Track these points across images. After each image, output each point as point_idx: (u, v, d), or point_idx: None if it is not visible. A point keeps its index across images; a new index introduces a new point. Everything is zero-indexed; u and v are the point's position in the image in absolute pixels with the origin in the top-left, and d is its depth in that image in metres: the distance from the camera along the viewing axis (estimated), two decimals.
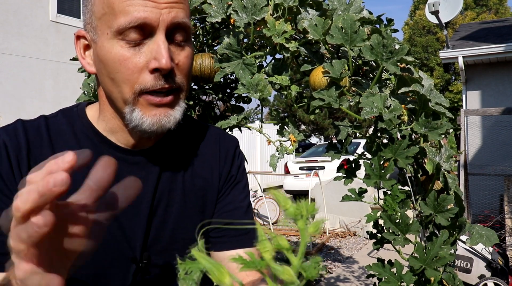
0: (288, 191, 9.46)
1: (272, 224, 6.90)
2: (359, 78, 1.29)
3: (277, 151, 1.29)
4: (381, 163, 1.16)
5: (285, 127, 1.34)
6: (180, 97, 0.66)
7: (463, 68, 6.63)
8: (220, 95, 1.74)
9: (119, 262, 0.66)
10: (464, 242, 1.78)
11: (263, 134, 1.34)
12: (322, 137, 20.29)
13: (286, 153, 1.28)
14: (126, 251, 0.67)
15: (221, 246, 0.74)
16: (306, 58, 1.36)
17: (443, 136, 1.13)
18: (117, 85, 0.63)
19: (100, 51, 0.63)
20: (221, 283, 0.35)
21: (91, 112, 0.72)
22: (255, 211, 6.82)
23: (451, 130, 1.17)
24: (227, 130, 1.52)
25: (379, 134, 1.23)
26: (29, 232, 0.35)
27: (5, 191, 0.61)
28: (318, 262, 0.34)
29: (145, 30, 0.61)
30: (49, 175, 0.34)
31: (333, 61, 1.15)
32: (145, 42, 0.62)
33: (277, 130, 1.35)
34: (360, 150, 8.21)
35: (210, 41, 1.59)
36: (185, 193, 0.73)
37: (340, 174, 1.38)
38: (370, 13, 1.30)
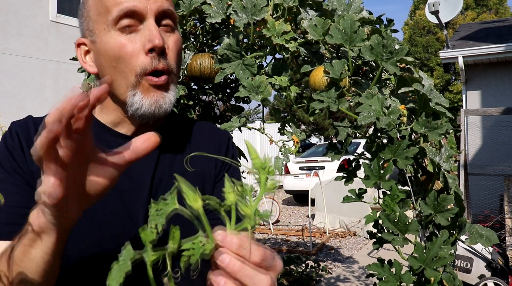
0: (288, 191, 9.45)
1: (272, 224, 6.90)
2: (359, 78, 1.29)
3: (281, 151, 1.28)
4: (381, 163, 1.16)
5: (286, 125, 1.34)
6: (173, 80, 0.75)
7: (463, 68, 6.63)
8: (220, 95, 1.74)
9: (122, 239, 0.70)
10: (463, 242, 1.78)
11: (265, 134, 1.34)
12: (322, 137, 20.28)
13: (290, 154, 1.27)
14: (129, 228, 0.72)
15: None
16: (306, 58, 1.36)
17: (443, 136, 1.13)
18: (120, 71, 0.71)
19: (100, 46, 0.72)
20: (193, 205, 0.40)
21: (94, 109, 0.77)
22: None
23: (451, 131, 1.17)
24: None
25: (379, 134, 1.23)
26: (42, 136, 0.43)
27: (18, 170, 0.70)
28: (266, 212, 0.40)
29: (136, 18, 0.70)
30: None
31: (333, 61, 1.15)
32: (138, 29, 0.71)
33: (278, 128, 1.35)
34: (360, 150, 8.20)
35: (210, 41, 1.59)
36: (184, 176, 0.76)
37: (340, 174, 1.38)
38: (370, 13, 1.30)
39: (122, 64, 0.70)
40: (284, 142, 1.30)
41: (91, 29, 0.73)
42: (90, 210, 0.60)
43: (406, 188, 1.27)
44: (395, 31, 1.37)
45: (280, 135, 1.38)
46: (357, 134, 1.40)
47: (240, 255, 0.39)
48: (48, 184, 0.45)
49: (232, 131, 1.36)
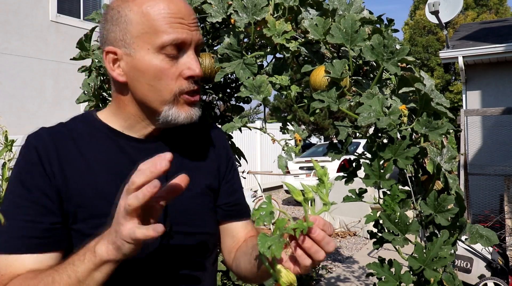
0: (288, 191, 9.45)
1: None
2: (360, 78, 1.29)
3: (283, 150, 1.28)
4: (381, 163, 1.16)
5: (288, 123, 1.33)
6: (200, 98, 0.87)
7: (463, 68, 6.63)
8: (220, 95, 1.74)
9: None
10: (463, 242, 1.77)
11: (267, 134, 1.33)
12: (322, 137, 20.27)
13: (293, 153, 1.27)
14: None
15: (232, 217, 0.96)
16: (306, 58, 1.36)
17: (444, 136, 1.13)
18: (157, 89, 0.79)
19: (139, 63, 0.78)
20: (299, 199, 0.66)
21: (102, 115, 0.87)
22: None
23: (452, 131, 1.17)
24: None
25: (379, 134, 1.23)
26: (139, 196, 0.60)
27: (39, 185, 0.76)
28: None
29: (180, 47, 0.79)
30: (156, 161, 0.62)
31: (334, 61, 1.15)
32: (179, 56, 0.80)
33: (280, 126, 1.34)
34: (360, 150, 8.19)
35: (210, 40, 1.59)
36: (192, 172, 0.88)
37: (341, 174, 1.38)
38: (371, 13, 1.30)
39: (161, 85, 0.78)
40: (287, 141, 1.30)
41: (128, 42, 0.78)
42: (113, 210, 0.76)
43: (406, 188, 1.27)
44: (396, 31, 1.37)
45: (282, 133, 1.37)
46: (357, 134, 1.40)
47: (323, 229, 0.64)
48: (149, 228, 0.62)
49: (232, 131, 1.35)
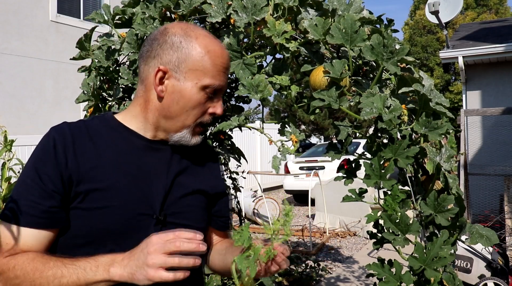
0: (288, 191, 9.45)
1: (272, 224, 6.89)
2: (360, 78, 1.29)
3: (279, 151, 1.28)
4: (381, 163, 1.16)
5: (286, 126, 1.33)
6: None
7: (463, 68, 6.62)
8: None
9: (142, 218, 0.92)
10: (463, 242, 1.78)
11: (264, 134, 1.33)
12: (322, 137, 20.25)
13: (288, 154, 1.27)
14: (148, 210, 0.92)
15: (220, 226, 1.12)
16: (306, 58, 1.36)
17: (443, 136, 1.13)
18: (187, 114, 0.94)
19: (184, 91, 0.92)
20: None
21: (120, 117, 0.99)
22: (255, 211, 6.81)
23: (452, 131, 1.17)
24: (228, 130, 1.52)
25: (379, 134, 1.23)
26: (190, 263, 0.80)
27: (48, 173, 0.86)
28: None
29: (216, 91, 0.95)
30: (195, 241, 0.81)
31: (334, 61, 1.15)
32: (212, 96, 0.95)
33: (278, 129, 1.35)
34: (360, 150, 8.19)
35: None
36: (188, 173, 1.02)
37: (340, 174, 1.38)
38: (371, 13, 1.30)
39: (192, 112, 0.93)
40: (283, 142, 1.30)
41: (181, 70, 0.91)
42: (118, 195, 0.89)
43: (406, 188, 1.27)
44: (395, 31, 1.37)
45: (280, 136, 1.37)
46: (357, 134, 1.40)
47: (284, 254, 0.88)
48: (176, 273, 0.78)
49: (232, 130, 1.35)
